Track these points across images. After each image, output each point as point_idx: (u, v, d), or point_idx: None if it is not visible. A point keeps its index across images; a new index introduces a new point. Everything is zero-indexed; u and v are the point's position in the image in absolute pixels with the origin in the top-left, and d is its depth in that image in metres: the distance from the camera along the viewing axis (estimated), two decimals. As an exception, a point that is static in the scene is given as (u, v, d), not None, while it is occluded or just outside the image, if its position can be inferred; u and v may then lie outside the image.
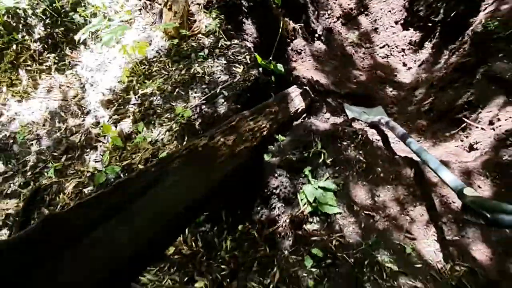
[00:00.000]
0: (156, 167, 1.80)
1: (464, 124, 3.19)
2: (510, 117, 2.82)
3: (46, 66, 3.41)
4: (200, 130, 2.85)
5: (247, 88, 3.00)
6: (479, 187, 2.73)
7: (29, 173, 2.96)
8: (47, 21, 3.46)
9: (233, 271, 2.53)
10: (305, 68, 4.16)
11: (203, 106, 2.92)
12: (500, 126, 2.85)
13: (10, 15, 3.41)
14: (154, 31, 3.52)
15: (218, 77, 3.05)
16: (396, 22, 4.75)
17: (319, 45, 4.48)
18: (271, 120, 2.87)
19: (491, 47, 3.29)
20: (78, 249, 1.27)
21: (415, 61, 4.65)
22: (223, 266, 2.54)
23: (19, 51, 3.41)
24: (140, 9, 3.67)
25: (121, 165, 2.84)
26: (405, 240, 2.59)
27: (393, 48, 4.73)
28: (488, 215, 1.79)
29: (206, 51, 3.20)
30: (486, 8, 3.76)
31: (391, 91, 4.28)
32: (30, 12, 3.43)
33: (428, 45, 4.47)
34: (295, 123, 3.32)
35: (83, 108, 3.19)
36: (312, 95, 3.71)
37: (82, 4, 3.57)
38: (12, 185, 2.95)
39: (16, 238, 1.19)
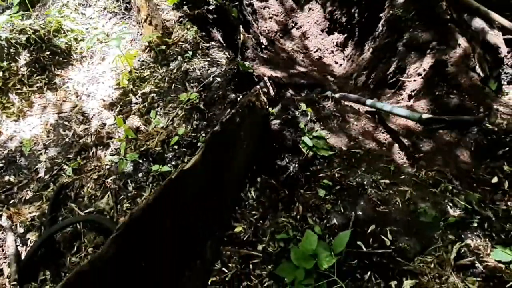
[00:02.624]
0: (239, 112, 2.64)
1: (400, 82, 4.14)
2: (429, 66, 3.81)
3: (37, 87, 3.59)
4: (205, 110, 3.31)
5: (234, 74, 3.58)
6: (425, 117, 3.59)
7: (46, 177, 3.07)
8: (32, 47, 3.69)
9: (263, 213, 2.94)
10: (262, 70, 4.89)
11: (202, 92, 3.41)
12: (426, 73, 3.82)
13: (-8, 46, 3.59)
14: (133, 46, 3.96)
15: (208, 70, 3.59)
16: (322, 30, 5.83)
17: (267, 53, 5.30)
18: (266, 98, 3.48)
19: (402, 27, 4.38)
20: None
21: (343, 58, 5.70)
22: (253, 212, 2.93)
23: (6, 77, 3.56)
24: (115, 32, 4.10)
25: (138, 152, 3.14)
26: (387, 163, 3.28)
27: (324, 51, 5.75)
28: (447, 118, 2.65)
29: (190, 52, 3.73)
30: (388, 5, 4.93)
31: (332, 80, 5.19)
32: (13, 41, 3.64)
33: (351, 43, 5.56)
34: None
35: (86, 115, 3.43)
36: (275, 87, 4.43)
37: (62, 32, 3.89)
38: (28, 192, 3.02)
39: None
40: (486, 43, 3.60)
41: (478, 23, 3.72)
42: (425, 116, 3.19)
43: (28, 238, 2.82)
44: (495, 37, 3.56)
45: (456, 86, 3.55)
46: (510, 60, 3.65)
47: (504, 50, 3.55)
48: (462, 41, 3.73)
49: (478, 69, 3.57)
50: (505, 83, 3.64)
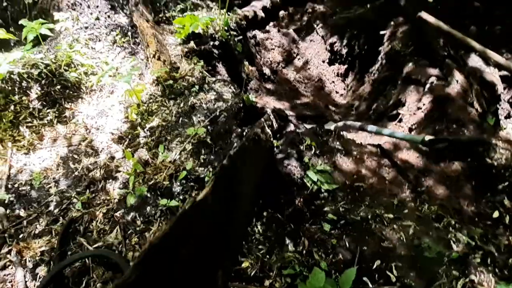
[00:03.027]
0: (245, 145, 2.79)
1: (400, 115, 4.25)
2: (429, 101, 3.94)
3: (47, 120, 3.68)
4: (212, 144, 3.39)
5: (239, 108, 3.69)
6: (426, 150, 3.69)
7: (56, 211, 3.11)
8: (43, 81, 3.80)
9: (270, 248, 2.98)
10: (265, 101, 5.01)
11: (209, 127, 3.50)
12: (426, 108, 3.94)
13: (5, 81, 3.69)
14: (142, 80, 4.08)
15: (214, 104, 3.70)
16: (323, 61, 6.00)
17: (270, 84, 5.44)
18: (271, 131, 3.58)
19: (401, 61, 4.53)
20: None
21: (344, 88, 5.85)
22: (260, 246, 2.97)
23: (18, 110, 3.65)
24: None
25: (147, 186, 3.20)
26: (390, 197, 3.35)
27: (325, 81, 5.90)
28: (450, 138, 2.74)
29: (197, 87, 3.85)
30: (387, 39, 5.11)
31: (334, 110, 5.32)
32: (25, 76, 3.75)
33: (352, 73, 5.72)
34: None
35: (95, 148, 3.50)
36: (278, 120, 4.53)
37: (73, 66, 4.01)
38: (38, 226, 3.06)
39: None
40: (483, 80, 3.74)
41: (474, 60, 3.87)
42: (428, 137, 3.29)
43: (37, 273, 2.84)
44: (492, 75, 3.70)
45: (455, 121, 3.65)
46: (506, 96, 3.78)
47: (500, 87, 3.68)
48: (459, 77, 3.87)
49: (476, 105, 3.70)
50: (503, 118, 3.76)
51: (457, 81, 3.85)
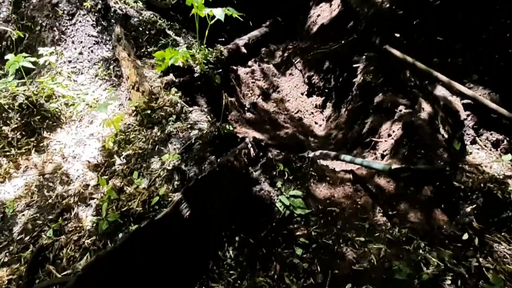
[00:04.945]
0: (216, 171, 3.00)
1: (373, 143, 4.39)
2: (398, 128, 4.09)
3: (25, 149, 3.73)
4: (186, 170, 3.46)
5: (215, 136, 3.79)
6: (397, 175, 3.79)
7: (26, 238, 3.10)
8: (24, 112, 3.89)
9: (241, 273, 2.97)
10: (245, 131, 5.14)
11: (184, 154, 3.58)
12: (395, 135, 4.09)
13: (-15, 111, 3.78)
14: (121, 111, 4.20)
15: (190, 133, 3.80)
16: (302, 94, 6.22)
17: (250, 115, 5.60)
18: (247, 158, 3.67)
19: (372, 92, 4.74)
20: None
21: (322, 119, 6.03)
22: (231, 271, 2.97)
23: (-4, 140, 3.71)
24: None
25: (120, 212, 3.22)
26: (362, 220, 3.40)
27: (304, 112, 6.09)
28: (412, 167, 2.92)
29: (174, 116, 3.97)
30: (360, 72, 5.35)
31: (312, 140, 5.46)
32: (6, 106, 3.84)
33: (329, 105, 5.92)
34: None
35: (70, 176, 3.54)
36: (257, 148, 4.65)
37: (54, 97, 4.13)
38: (7, 253, 3.03)
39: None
40: (447, 107, 3.93)
41: (438, 89, 4.08)
42: (393, 166, 3.47)
43: (3, 303, 2.78)
44: (455, 103, 3.90)
45: (423, 146, 3.79)
46: (471, 122, 3.96)
47: (463, 114, 3.87)
48: (425, 105, 4.06)
49: (442, 131, 3.85)
50: (468, 143, 3.91)
51: (423, 108, 4.03)
